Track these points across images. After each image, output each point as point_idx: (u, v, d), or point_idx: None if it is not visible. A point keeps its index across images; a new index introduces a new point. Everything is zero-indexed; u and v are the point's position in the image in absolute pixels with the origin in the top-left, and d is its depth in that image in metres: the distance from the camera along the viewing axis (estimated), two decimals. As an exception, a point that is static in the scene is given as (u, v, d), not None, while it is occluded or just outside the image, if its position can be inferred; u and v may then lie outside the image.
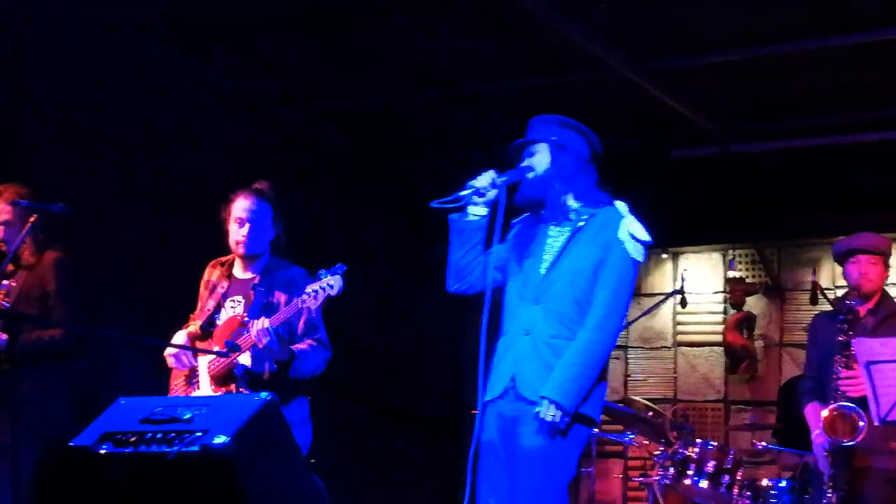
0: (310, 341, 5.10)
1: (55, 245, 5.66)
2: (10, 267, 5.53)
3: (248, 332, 4.93)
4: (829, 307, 7.61)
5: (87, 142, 6.46)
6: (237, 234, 5.18)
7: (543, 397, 4.21)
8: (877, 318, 5.65)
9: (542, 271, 4.40)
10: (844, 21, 6.28)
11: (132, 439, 3.85)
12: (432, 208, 4.31)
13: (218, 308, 5.21)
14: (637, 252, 4.38)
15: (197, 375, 5.13)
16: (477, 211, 4.44)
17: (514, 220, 4.59)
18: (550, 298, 4.35)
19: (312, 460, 4.94)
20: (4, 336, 5.33)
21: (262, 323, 4.88)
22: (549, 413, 4.19)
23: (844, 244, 5.81)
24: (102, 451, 3.88)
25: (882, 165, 7.95)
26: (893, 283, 7.96)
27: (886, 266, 5.80)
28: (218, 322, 5.18)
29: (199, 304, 5.31)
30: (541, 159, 4.48)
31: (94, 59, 6.48)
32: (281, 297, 5.11)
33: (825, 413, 5.45)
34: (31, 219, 5.40)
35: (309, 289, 4.90)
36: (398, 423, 9.21)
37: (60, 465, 4.05)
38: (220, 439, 3.70)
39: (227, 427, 3.75)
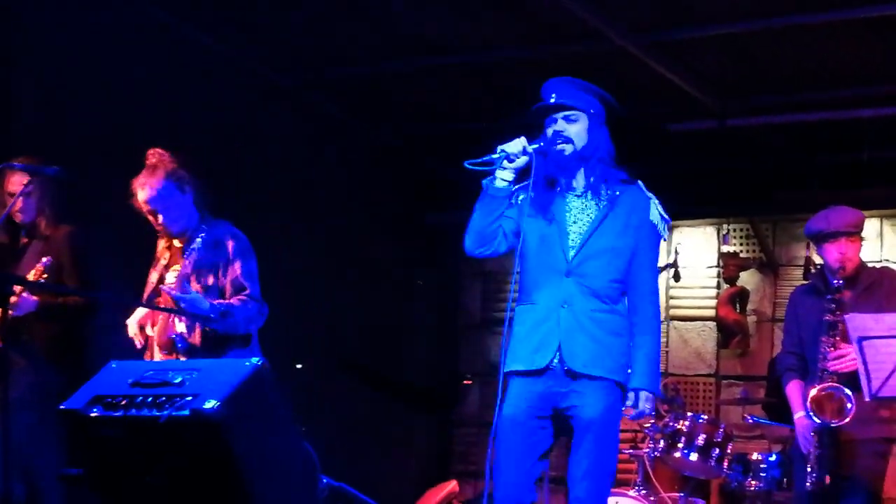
0: (239, 297, 4.95)
1: (69, 217, 5.76)
2: (25, 239, 5.67)
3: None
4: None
5: (80, 107, 6.44)
6: (156, 224, 5.10)
7: (636, 389, 4.40)
8: (856, 290, 5.52)
9: (572, 244, 4.39)
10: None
11: (123, 403, 3.87)
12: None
13: (161, 280, 5.16)
14: (665, 232, 4.55)
15: (152, 351, 5.11)
16: (505, 176, 4.32)
17: (519, 186, 4.45)
18: (586, 274, 4.37)
19: (303, 428, 4.94)
20: (35, 298, 5.47)
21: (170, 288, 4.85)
22: (647, 404, 4.42)
23: (822, 226, 5.54)
24: (93, 415, 3.89)
25: (879, 141, 7.93)
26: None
27: (862, 238, 5.68)
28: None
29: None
30: (578, 132, 4.42)
31: (84, 23, 6.45)
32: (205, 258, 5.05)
33: (813, 393, 5.37)
34: (24, 180, 5.45)
35: None
36: (389, 392, 9.22)
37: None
38: (210, 404, 3.71)
39: (218, 392, 3.76)
